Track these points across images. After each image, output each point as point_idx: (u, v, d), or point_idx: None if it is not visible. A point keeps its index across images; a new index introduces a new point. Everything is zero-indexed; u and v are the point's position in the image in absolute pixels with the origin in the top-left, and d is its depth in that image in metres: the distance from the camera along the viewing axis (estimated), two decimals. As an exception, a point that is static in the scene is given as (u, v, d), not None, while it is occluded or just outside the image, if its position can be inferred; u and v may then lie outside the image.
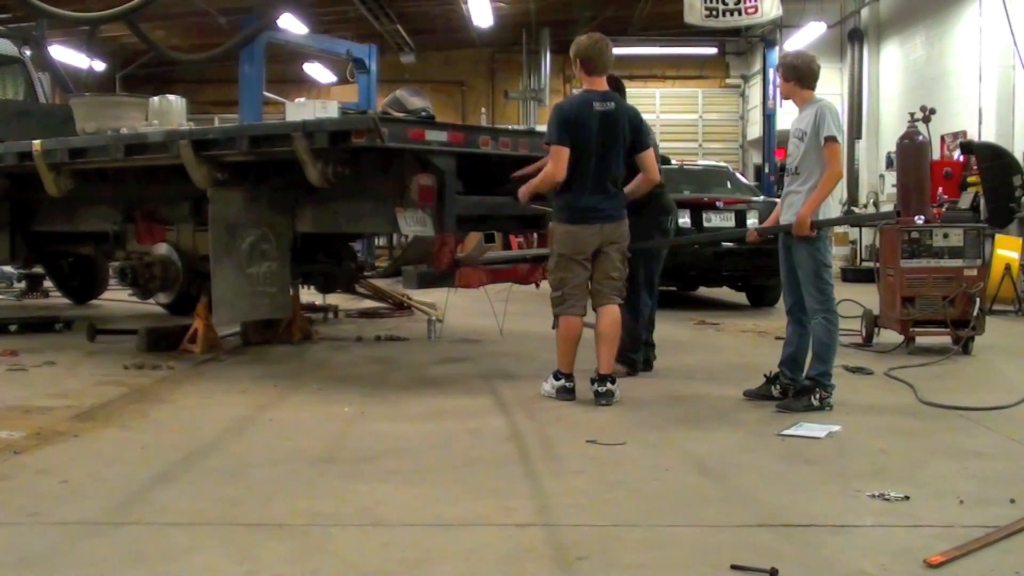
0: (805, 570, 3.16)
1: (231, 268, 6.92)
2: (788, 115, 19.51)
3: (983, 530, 3.46)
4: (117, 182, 8.36)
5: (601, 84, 5.94)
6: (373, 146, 6.26)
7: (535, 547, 3.37)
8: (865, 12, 20.08)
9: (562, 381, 5.94)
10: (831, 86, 19.65)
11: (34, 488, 4.05)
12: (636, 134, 6.02)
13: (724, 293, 12.45)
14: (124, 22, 12.67)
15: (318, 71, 22.28)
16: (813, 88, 5.77)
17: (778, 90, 19.90)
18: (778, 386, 5.82)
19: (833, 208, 5.86)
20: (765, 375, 5.90)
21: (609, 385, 5.79)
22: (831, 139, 5.54)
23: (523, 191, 6.17)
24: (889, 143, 16.66)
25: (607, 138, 5.85)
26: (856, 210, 18.16)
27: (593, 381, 5.85)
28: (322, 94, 21.90)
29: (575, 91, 6.78)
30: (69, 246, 9.97)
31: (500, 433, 5.10)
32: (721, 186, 12.38)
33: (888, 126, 19.15)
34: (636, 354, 6.80)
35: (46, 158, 7.85)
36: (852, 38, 20.21)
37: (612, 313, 5.94)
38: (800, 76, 5.73)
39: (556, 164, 5.81)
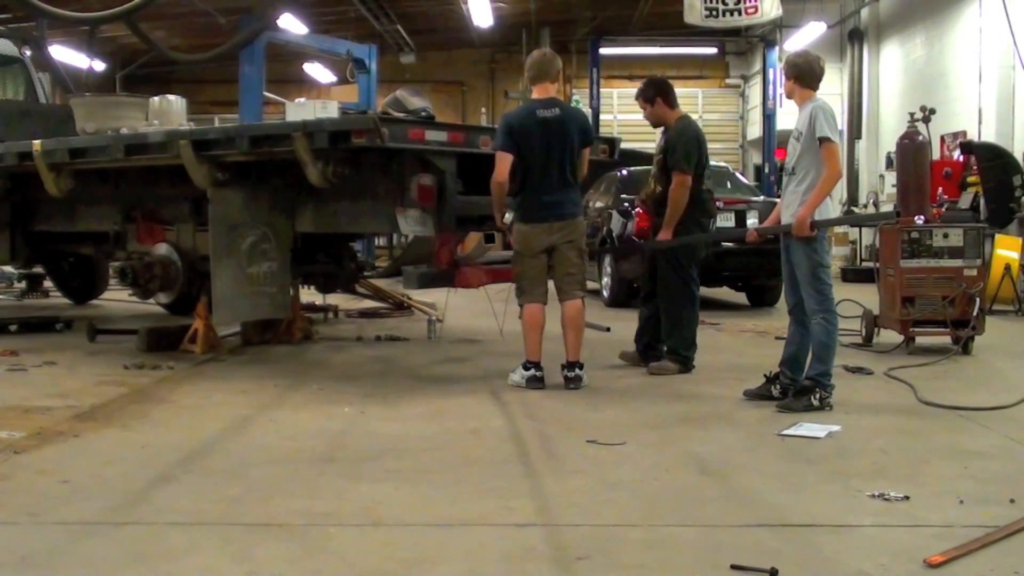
0: (805, 570, 3.16)
1: (231, 268, 6.93)
2: (788, 115, 19.55)
3: (983, 530, 3.46)
4: (117, 182, 8.36)
5: (544, 92, 6.37)
6: (373, 146, 6.26)
7: (535, 547, 3.37)
8: (865, 12, 20.07)
9: (532, 371, 6.22)
10: (831, 86, 19.65)
11: (34, 488, 4.05)
12: (583, 134, 6.40)
13: (724, 293, 12.45)
14: (124, 22, 12.65)
15: (318, 71, 22.28)
16: (814, 88, 5.76)
17: (780, 89, 19.93)
18: (778, 386, 5.81)
19: (832, 208, 5.86)
20: (765, 375, 5.90)
21: (577, 371, 6.22)
22: (826, 140, 5.54)
23: (495, 212, 6.47)
24: (889, 143, 16.66)
25: (551, 142, 6.21)
26: (856, 210, 18.16)
27: (563, 367, 6.24)
28: (322, 94, 21.89)
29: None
30: (69, 246, 9.97)
31: (500, 433, 5.10)
32: (721, 186, 12.35)
33: (888, 126, 19.13)
34: (690, 351, 6.86)
35: (46, 158, 7.84)
36: (852, 38, 20.21)
37: (575, 304, 6.31)
38: (800, 75, 5.74)
39: (498, 168, 6.21)
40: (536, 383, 6.19)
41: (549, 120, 6.22)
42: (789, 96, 5.88)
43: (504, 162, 6.20)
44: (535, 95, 6.41)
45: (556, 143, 6.22)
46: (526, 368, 6.24)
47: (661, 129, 7.08)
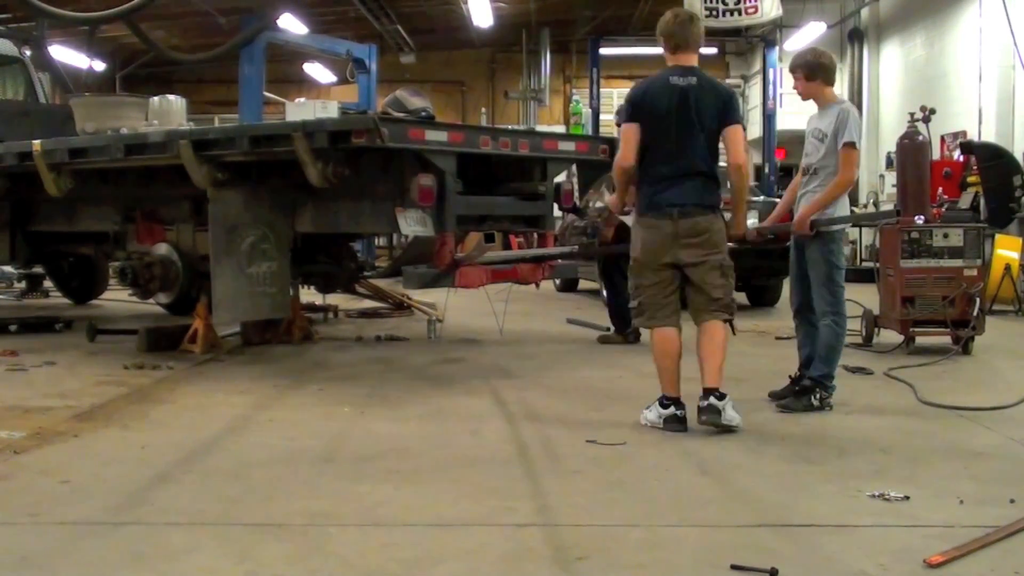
0: (805, 570, 3.16)
1: (231, 268, 6.92)
2: (788, 115, 19.57)
3: (983, 530, 3.46)
4: (117, 182, 8.36)
5: (685, 60, 5.16)
6: (373, 146, 6.26)
7: (535, 547, 3.37)
8: (865, 12, 20.09)
9: (671, 409, 5.13)
10: (831, 86, 19.62)
11: (34, 488, 4.05)
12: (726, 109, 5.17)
13: (724, 293, 12.43)
14: (124, 22, 12.69)
15: (318, 71, 22.28)
16: (833, 84, 5.72)
17: (780, 89, 19.90)
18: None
19: (847, 211, 5.83)
20: (790, 376, 5.84)
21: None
22: (849, 145, 5.48)
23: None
24: (889, 143, 16.66)
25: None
26: (856, 210, 18.16)
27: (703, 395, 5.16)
28: (322, 94, 21.90)
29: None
30: (69, 246, 9.98)
31: (500, 433, 5.10)
32: (721, 186, 12.36)
33: (888, 126, 19.15)
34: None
35: (46, 158, 7.84)
36: (852, 38, 20.22)
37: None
38: (826, 72, 5.62)
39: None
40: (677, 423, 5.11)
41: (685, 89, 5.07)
42: (806, 96, 5.69)
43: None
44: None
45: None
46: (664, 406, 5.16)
47: None
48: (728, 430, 4.96)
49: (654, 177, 5.11)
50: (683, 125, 5.05)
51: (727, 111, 5.13)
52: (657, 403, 5.16)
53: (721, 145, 5.27)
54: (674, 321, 5.18)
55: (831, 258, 5.63)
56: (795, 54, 5.88)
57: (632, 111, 5.13)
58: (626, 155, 5.11)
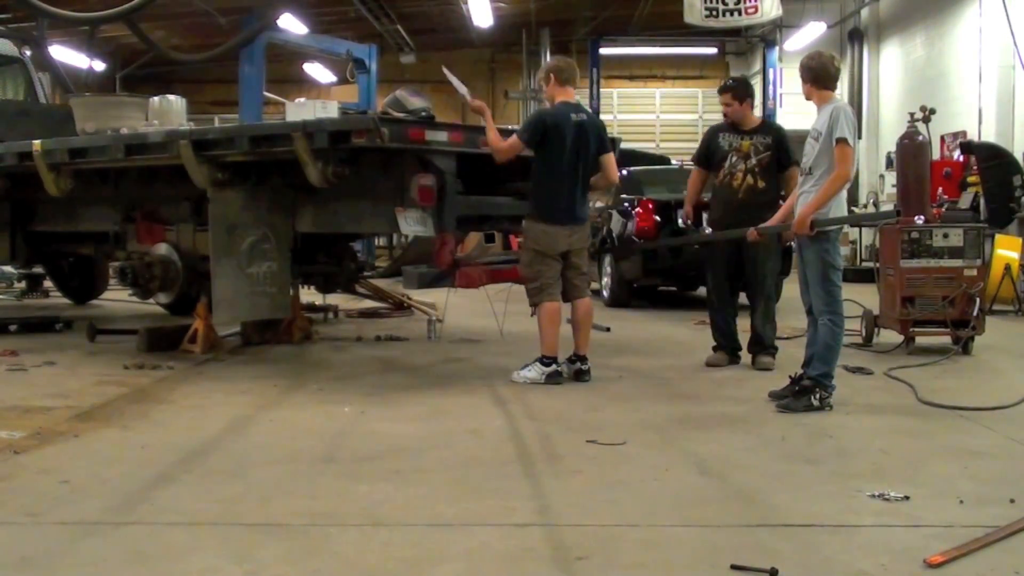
0: (805, 570, 3.16)
1: (231, 268, 6.92)
2: (788, 115, 19.57)
3: (983, 530, 3.46)
4: (117, 182, 8.36)
5: (572, 96, 6.58)
6: (373, 146, 6.26)
7: (535, 547, 3.38)
8: (865, 12, 20.08)
9: (552, 366, 6.42)
10: (831, 86, 19.62)
11: (34, 488, 4.05)
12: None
13: (724, 293, 12.41)
14: (124, 22, 12.66)
15: (318, 71, 22.28)
16: (831, 88, 5.74)
17: (780, 89, 19.90)
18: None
19: (844, 210, 5.84)
20: (790, 376, 5.85)
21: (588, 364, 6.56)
22: (842, 141, 5.52)
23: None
24: (889, 143, 16.67)
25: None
26: (856, 210, 18.17)
27: (574, 360, 6.53)
28: (322, 94, 21.88)
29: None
30: (69, 246, 9.97)
31: (500, 433, 5.10)
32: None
33: (888, 126, 19.14)
34: None
35: (46, 158, 7.84)
36: (852, 38, 20.21)
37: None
38: (815, 77, 5.70)
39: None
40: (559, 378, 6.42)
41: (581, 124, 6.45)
42: (808, 98, 5.79)
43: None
44: (561, 98, 6.55)
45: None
46: (546, 364, 6.39)
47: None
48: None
49: (555, 192, 6.39)
50: (577, 154, 6.40)
51: (602, 141, 6.58)
52: (539, 363, 6.40)
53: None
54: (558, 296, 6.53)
55: (827, 258, 5.64)
56: (804, 55, 5.91)
57: (538, 135, 6.34)
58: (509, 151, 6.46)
